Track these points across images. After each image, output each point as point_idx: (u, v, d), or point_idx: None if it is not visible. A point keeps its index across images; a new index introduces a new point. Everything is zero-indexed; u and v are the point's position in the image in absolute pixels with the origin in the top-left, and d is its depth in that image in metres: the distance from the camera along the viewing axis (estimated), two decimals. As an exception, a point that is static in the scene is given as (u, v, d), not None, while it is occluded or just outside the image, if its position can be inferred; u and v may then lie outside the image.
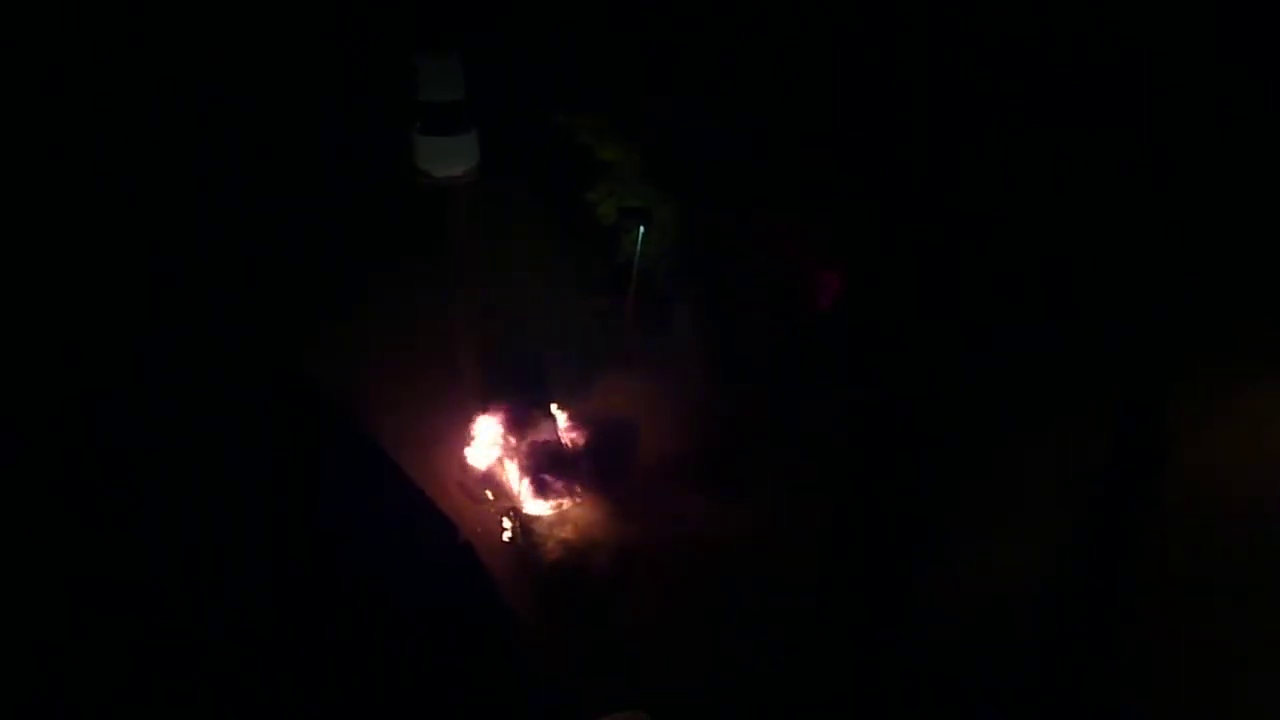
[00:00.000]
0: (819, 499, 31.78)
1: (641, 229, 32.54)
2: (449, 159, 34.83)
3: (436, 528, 31.45)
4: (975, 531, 30.74)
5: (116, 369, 32.06)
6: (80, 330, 32.56)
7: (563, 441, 32.88)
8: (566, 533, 31.58)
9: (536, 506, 32.29)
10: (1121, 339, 32.23)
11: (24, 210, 33.14)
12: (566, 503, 32.23)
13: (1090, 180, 34.05)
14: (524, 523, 31.90)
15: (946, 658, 28.96)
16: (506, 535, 31.92)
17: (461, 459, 33.34)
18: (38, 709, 26.93)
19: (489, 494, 32.59)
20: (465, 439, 33.50)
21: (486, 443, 33.33)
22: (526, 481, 32.37)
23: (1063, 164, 34.05)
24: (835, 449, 32.76)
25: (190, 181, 34.14)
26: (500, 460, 33.10)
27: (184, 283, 33.53)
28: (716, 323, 33.92)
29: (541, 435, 32.76)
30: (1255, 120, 33.56)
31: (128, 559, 29.31)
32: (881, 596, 30.49)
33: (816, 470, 32.42)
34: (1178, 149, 33.81)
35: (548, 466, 32.29)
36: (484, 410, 33.48)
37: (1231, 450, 31.17)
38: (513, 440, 33.08)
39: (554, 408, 33.48)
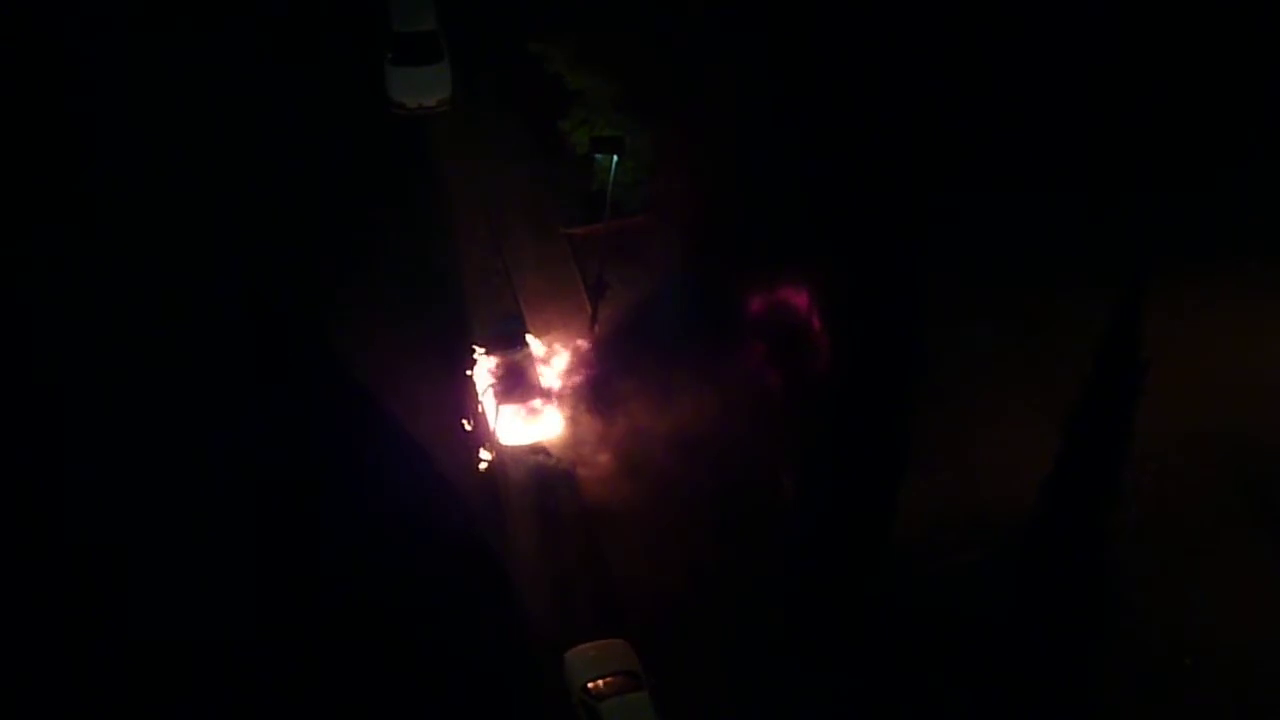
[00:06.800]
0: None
1: (615, 158, 32.14)
2: (422, 89, 34.91)
3: (415, 462, 31.32)
4: (953, 455, 30.56)
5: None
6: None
7: (536, 370, 32.78)
8: (541, 460, 31.58)
9: (512, 436, 32.19)
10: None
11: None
12: (540, 431, 32.11)
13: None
14: (500, 453, 31.82)
15: (926, 586, 28.95)
16: (483, 465, 31.85)
17: (440, 393, 33.19)
18: None
19: (466, 425, 32.48)
20: (444, 372, 33.34)
21: (465, 376, 33.21)
22: (501, 411, 32.25)
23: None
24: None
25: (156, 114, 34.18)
26: (478, 393, 32.97)
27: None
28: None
29: (515, 365, 32.62)
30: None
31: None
32: (861, 521, 30.23)
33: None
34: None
35: (522, 396, 32.19)
36: (462, 344, 33.33)
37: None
38: (490, 372, 32.94)
39: (528, 337, 33.38)
